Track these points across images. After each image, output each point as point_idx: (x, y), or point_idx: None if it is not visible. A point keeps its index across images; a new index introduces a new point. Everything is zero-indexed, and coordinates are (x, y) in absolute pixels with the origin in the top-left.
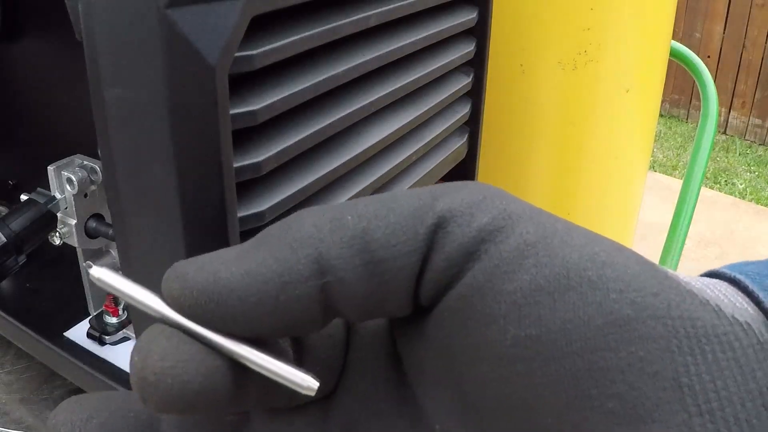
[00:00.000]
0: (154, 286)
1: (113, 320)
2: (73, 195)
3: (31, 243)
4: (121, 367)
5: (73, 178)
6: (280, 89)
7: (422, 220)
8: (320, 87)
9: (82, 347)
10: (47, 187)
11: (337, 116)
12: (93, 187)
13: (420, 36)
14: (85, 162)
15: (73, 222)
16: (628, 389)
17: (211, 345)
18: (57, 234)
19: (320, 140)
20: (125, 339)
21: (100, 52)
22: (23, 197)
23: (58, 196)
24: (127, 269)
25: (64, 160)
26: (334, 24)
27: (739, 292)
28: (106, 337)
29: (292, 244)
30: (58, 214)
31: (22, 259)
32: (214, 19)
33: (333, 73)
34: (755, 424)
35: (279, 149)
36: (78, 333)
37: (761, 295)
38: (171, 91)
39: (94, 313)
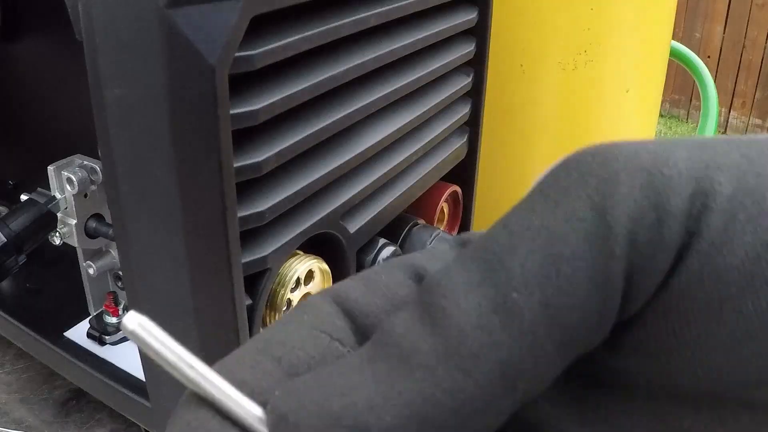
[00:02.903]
0: (153, 287)
1: (113, 320)
2: (73, 195)
3: (31, 243)
4: (121, 367)
5: (73, 178)
6: (281, 89)
7: (609, 255)
8: (320, 87)
9: (82, 347)
10: (47, 187)
11: (337, 116)
12: (93, 187)
13: (420, 36)
14: (85, 162)
15: (73, 222)
16: None
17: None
18: (57, 234)
19: (320, 140)
20: (125, 339)
21: (100, 52)
22: (23, 197)
23: (58, 196)
24: (127, 269)
25: (64, 160)
26: (334, 24)
27: None
28: (106, 337)
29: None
30: (58, 214)
31: (22, 259)
32: (214, 19)
33: (333, 73)
34: None
35: (279, 149)
36: (78, 333)
37: None
38: (171, 91)
39: (94, 313)
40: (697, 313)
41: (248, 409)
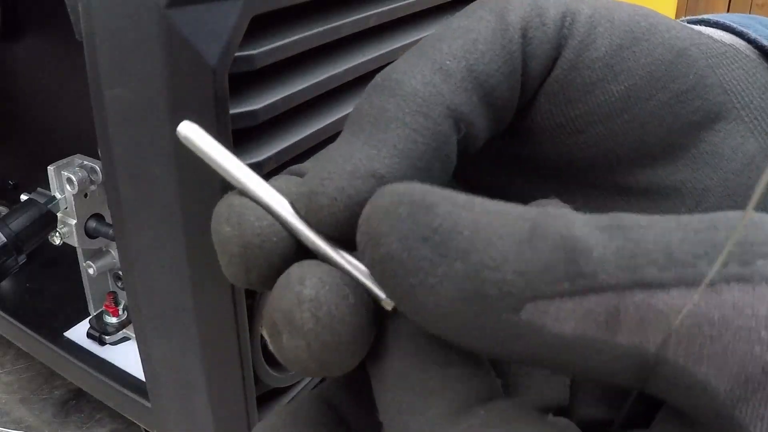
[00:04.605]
0: (153, 287)
1: (113, 320)
2: (73, 195)
3: (31, 243)
4: (121, 367)
5: (73, 178)
6: (281, 89)
7: (509, 40)
8: (320, 87)
9: (82, 347)
10: (47, 187)
11: (337, 116)
12: (93, 187)
13: (420, 36)
14: (85, 162)
15: (73, 222)
16: (701, 101)
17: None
18: (57, 234)
19: (320, 140)
20: (125, 339)
21: (100, 52)
22: (23, 197)
23: (58, 196)
24: (127, 269)
25: (64, 160)
26: (334, 24)
27: (723, 31)
28: (106, 337)
29: (422, 109)
30: (58, 214)
31: (22, 259)
32: (213, 19)
33: (333, 73)
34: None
35: (279, 149)
36: (78, 333)
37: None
38: (171, 91)
39: (94, 313)
40: (576, 93)
41: (280, 201)
